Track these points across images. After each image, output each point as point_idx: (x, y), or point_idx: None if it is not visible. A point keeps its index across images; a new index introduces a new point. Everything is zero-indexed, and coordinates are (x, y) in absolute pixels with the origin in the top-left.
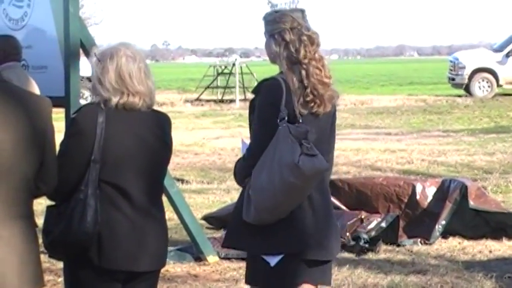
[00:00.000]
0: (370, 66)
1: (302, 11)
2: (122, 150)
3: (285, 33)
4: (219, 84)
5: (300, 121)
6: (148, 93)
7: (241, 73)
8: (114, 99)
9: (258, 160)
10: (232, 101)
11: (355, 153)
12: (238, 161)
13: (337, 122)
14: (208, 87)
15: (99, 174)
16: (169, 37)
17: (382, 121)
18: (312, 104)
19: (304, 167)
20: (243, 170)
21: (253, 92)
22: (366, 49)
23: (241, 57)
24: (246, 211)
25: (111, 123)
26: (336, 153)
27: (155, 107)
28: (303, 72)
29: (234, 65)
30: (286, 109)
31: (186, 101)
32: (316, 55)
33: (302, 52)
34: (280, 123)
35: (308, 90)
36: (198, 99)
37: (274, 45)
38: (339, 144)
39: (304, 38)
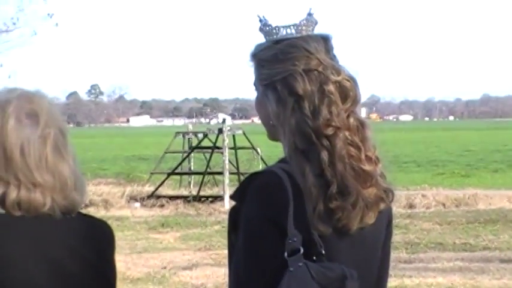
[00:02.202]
0: (472, 134)
1: (325, 39)
2: None
3: (295, 80)
4: (193, 168)
5: (322, 250)
6: (61, 185)
7: (235, 147)
8: None
9: None
10: (217, 198)
11: None
12: None
13: (412, 237)
14: (173, 172)
15: None
16: (101, 79)
17: (496, 237)
18: (340, 215)
19: None
20: None
21: (234, 197)
22: (466, 101)
23: (233, 117)
24: None
25: None
26: None
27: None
28: (324, 154)
29: (220, 131)
30: (297, 229)
31: (133, 198)
32: (352, 120)
33: (324, 115)
34: (290, 260)
35: (333, 189)
36: (153, 195)
37: (274, 103)
38: (415, 280)
39: (331, 88)
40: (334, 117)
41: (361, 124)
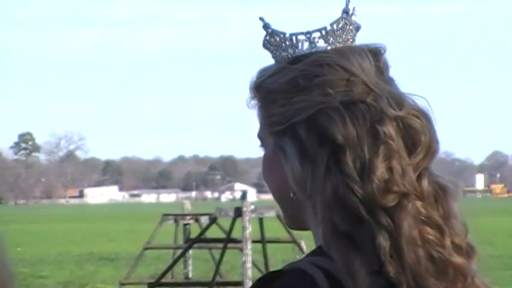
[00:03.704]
0: None
1: (375, 52)
2: None
3: (328, 119)
4: (192, 275)
5: None
6: None
7: (263, 240)
8: None
9: None
10: None
11: None
12: None
13: None
14: (158, 283)
15: None
16: (36, 126)
17: None
18: None
19: None
20: None
21: None
22: None
23: (260, 190)
24: None
25: None
26: None
27: None
28: (382, 238)
29: (239, 213)
30: None
31: None
32: (426, 183)
33: (380, 174)
34: None
35: None
36: None
37: (297, 160)
38: None
39: (389, 129)
40: (396, 177)
41: (442, 190)
